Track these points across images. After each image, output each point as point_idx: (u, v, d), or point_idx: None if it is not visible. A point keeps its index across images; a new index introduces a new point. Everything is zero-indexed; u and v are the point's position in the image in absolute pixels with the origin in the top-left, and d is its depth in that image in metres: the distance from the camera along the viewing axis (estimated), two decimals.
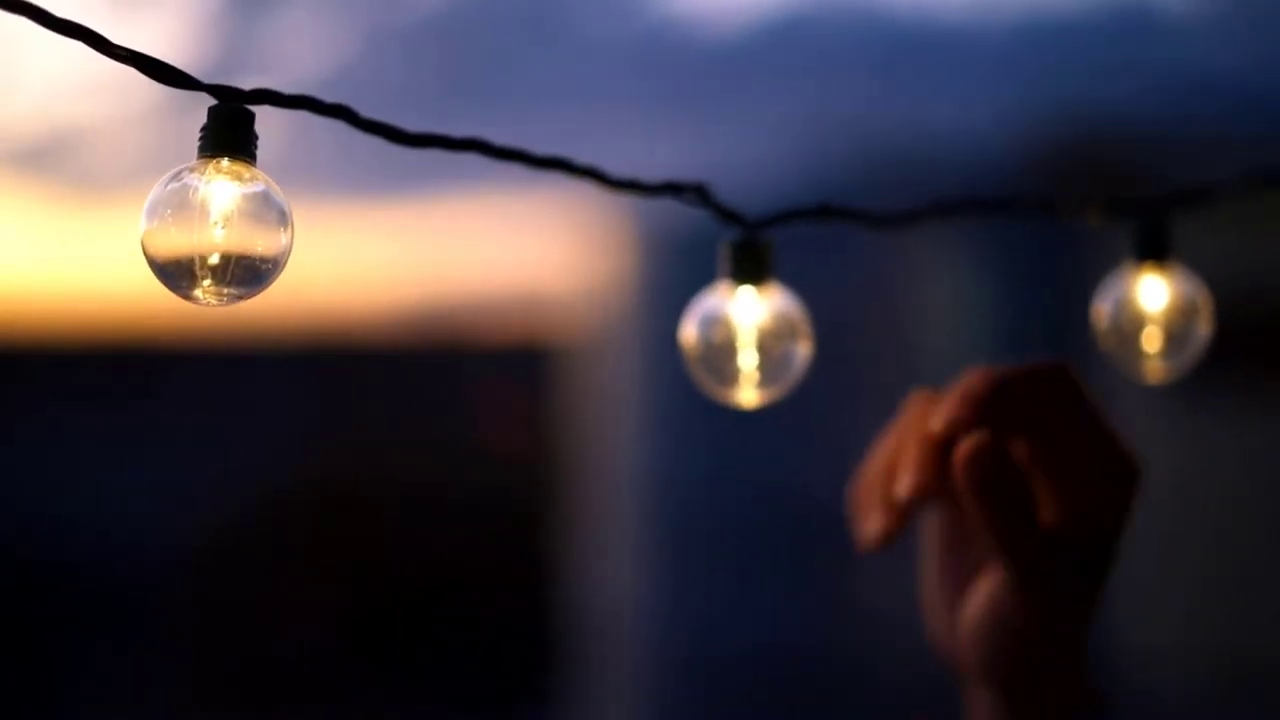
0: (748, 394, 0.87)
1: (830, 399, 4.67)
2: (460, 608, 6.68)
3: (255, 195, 0.71)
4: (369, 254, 6.96)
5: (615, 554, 5.37)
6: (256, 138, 0.72)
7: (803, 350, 0.88)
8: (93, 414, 7.19)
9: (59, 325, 7.21)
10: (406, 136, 0.77)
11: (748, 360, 0.87)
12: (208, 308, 0.72)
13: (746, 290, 0.87)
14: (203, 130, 0.71)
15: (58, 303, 7.08)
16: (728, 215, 0.88)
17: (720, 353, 0.88)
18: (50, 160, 6.43)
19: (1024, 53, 5.41)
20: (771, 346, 0.87)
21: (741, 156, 5.32)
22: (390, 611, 6.69)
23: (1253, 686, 4.43)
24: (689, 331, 0.88)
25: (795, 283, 0.88)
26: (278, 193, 0.72)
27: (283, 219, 0.72)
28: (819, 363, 0.91)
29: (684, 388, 0.92)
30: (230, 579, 6.59)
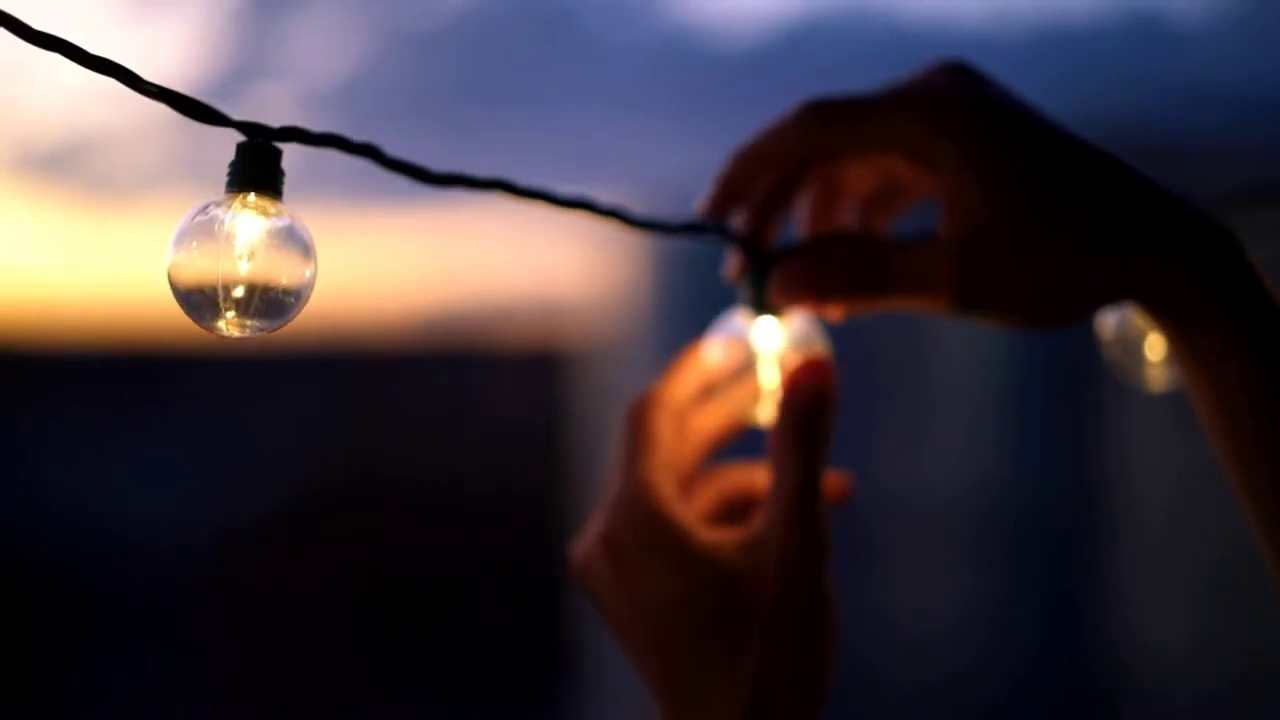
0: (767, 411, 0.90)
1: (841, 401, 4.66)
2: (471, 610, 6.70)
3: (281, 229, 0.72)
4: (385, 258, 6.97)
5: None
6: (283, 174, 0.72)
7: None
8: (108, 416, 7.21)
9: (77, 328, 7.23)
10: (432, 176, 0.78)
11: (769, 380, 0.90)
12: (230, 339, 0.73)
13: (767, 320, 0.89)
14: (231, 165, 0.72)
15: (75, 306, 7.11)
16: (750, 251, 0.89)
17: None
18: (68, 165, 6.46)
19: (1038, 62, 5.40)
20: None
21: None
22: (402, 614, 6.70)
23: (1268, 690, 4.42)
24: (711, 352, 0.90)
25: None
26: (303, 228, 0.73)
27: (307, 253, 0.73)
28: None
29: None
30: (243, 581, 6.61)
